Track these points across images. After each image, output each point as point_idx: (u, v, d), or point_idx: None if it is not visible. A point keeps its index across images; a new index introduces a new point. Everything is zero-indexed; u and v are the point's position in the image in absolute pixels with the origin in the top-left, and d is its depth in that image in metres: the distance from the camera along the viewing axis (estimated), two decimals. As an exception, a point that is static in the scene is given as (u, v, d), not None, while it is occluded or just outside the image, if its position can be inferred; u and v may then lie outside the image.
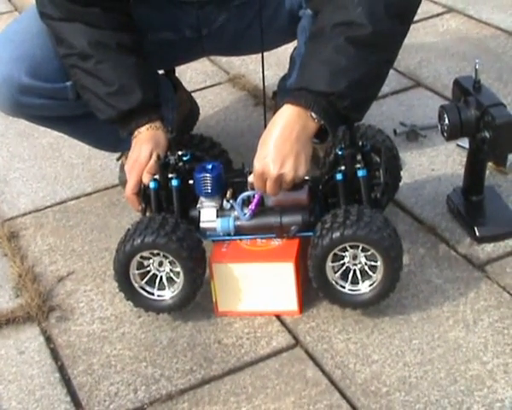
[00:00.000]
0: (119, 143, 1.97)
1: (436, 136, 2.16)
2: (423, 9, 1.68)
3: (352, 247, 1.58)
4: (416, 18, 1.66)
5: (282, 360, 1.59)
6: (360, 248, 1.57)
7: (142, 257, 1.63)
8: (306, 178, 1.70)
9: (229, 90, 2.60)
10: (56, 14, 1.75)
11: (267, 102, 1.90)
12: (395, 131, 2.21)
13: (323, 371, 1.55)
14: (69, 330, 1.71)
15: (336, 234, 1.55)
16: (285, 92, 2.07)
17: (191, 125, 2.28)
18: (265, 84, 1.84)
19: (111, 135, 1.89)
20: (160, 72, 2.15)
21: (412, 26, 1.66)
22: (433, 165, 2.09)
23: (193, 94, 2.39)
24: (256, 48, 1.92)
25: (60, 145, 2.38)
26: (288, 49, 2.08)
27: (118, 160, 2.11)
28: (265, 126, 1.65)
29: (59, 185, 2.22)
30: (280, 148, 1.57)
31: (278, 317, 1.68)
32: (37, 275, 1.88)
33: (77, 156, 2.33)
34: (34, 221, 2.08)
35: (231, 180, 1.75)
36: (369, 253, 1.58)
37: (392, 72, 1.68)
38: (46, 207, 2.13)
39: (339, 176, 1.67)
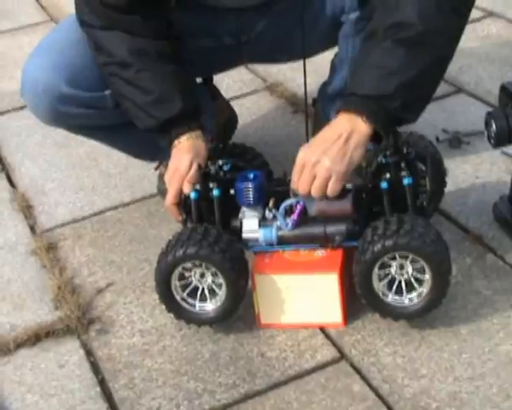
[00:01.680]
0: (157, 153, 1.94)
1: (480, 143, 2.11)
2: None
3: (400, 256, 1.53)
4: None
5: (328, 373, 1.55)
6: (410, 258, 1.53)
7: (183, 268, 1.60)
8: (349, 186, 1.66)
9: (266, 98, 2.57)
10: (96, 22, 1.73)
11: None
12: (437, 138, 2.16)
13: (370, 386, 1.51)
14: (109, 343, 1.69)
15: (389, 242, 1.51)
16: (326, 99, 2.04)
17: (229, 133, 2.24)
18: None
19: (150, 144, 1.86)
20: (198, 80, 2.13)
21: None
22: (478, 172, 2.04)
23: (230, 102, 2.36)
24: (296, 55, 1.90)
25: (96, 155, 2.36)
26: (326, 56, 2.03)
27: (156, 169, 2.08)
28: (307, 133, 1.62)
29: (96, 195, 2.19)
30: (326, 140, 1.56)
31: (322, 329, 1.64)
32: (76, 287, 1.85)
33: (114, 166, 2.31)
34: (72, 232, 2.05)
35: (273, 189, 1.71)
36: (417, 264, 1.53)
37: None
38: (84, 218, 2.10)
39: (384, 184, 1.63)
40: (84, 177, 2.29)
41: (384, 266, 1.55)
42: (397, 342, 1.58)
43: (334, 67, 2.00)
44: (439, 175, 1.80)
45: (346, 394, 1.49)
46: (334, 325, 1.64)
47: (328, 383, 1.52)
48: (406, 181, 1.62)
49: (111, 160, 2.32)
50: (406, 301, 1.56)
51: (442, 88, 2.40)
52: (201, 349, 1.63)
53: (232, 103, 2.36)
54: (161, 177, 1.97)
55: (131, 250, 1.96)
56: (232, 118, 2.28)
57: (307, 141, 1.68)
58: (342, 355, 1.58)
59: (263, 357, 1.60)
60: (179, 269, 1.60)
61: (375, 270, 1.54)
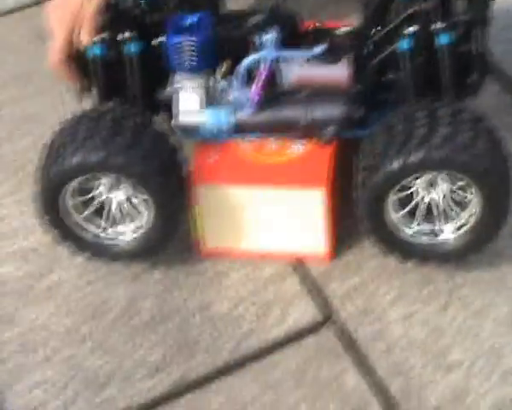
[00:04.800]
0: None
1: None
2: None
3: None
4: None
5: (302, 349, 1.09)
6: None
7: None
8: (346, 28, 1.16)
9: None
10: None
11: None
12: None
13: (374, 379, 1.05)
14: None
15: (397, 162, 1.03)
16: None
17: None
18: None
19: None
20: None
21: None
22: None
23: None
24: None
25: None
26: None
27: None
28: None
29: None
30: None
31: (296, 268, 1.17)
32: None
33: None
34: None
35: (226, 35, 1.16)
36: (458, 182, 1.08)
37: None
38: None
39: (404, 44, 1.12)
40: None
41: (404, 189, 1.08)
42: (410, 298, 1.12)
43: None
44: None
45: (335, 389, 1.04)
46: (315, 257, 1.16)
47: (305, 365, 1.07)
48: (443, 40, 1.11)
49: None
50: (444, 236, 1.12)
51: None
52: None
53: None
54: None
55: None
56: None
57: None
58: (327, 316, 1.11)
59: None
60: (74, 184, 1.09)
61: (390, 197, 1.07)
